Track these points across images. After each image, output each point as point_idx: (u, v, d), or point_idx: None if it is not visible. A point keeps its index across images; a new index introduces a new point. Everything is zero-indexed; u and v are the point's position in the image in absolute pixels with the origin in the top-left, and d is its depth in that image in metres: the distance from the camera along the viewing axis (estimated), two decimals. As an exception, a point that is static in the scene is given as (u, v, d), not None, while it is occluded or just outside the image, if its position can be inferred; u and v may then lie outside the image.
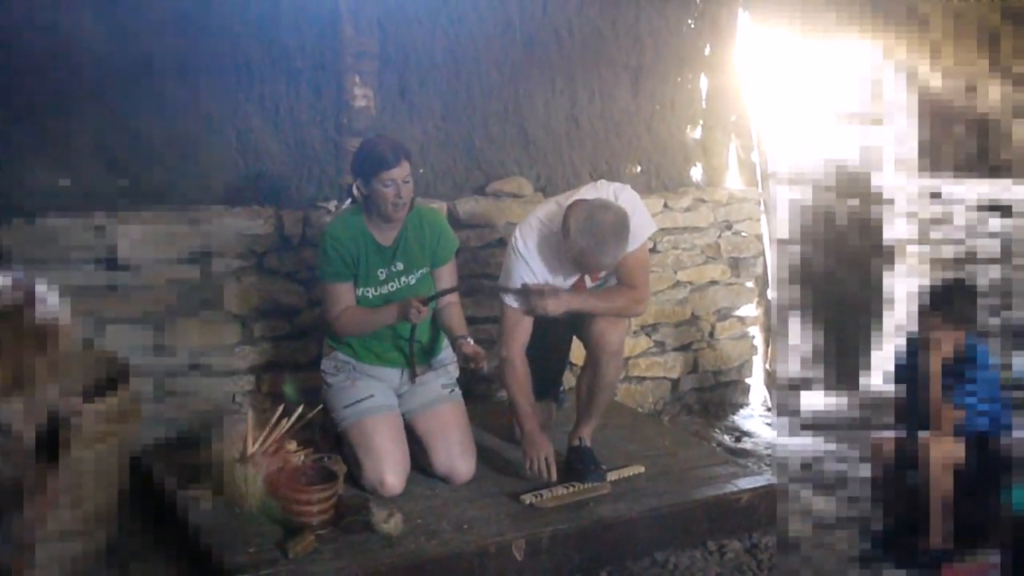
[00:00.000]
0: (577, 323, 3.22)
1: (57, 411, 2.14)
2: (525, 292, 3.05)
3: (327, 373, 3.18)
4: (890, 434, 2.32)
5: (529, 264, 3.10)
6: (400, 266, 3.08)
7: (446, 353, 3.25)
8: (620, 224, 2.93)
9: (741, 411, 4.51)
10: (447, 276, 3.19)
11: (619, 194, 3.09)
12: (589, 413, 3.21)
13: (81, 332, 2.39)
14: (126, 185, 3.38)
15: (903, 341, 2.40)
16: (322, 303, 3.06)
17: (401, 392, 3.21)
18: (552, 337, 3.33)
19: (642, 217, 3.13)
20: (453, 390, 3.24)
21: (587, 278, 3.18)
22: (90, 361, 2.34)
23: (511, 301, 3.09)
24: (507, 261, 3.17)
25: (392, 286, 3.09)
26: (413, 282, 3.11)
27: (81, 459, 2.16)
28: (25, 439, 2.06)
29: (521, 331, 3.14)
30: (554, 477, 3.01)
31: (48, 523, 2.12)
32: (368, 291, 3.07)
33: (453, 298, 3.19)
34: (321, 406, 3.17)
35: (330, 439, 3.24)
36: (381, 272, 3.06)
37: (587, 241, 2.90)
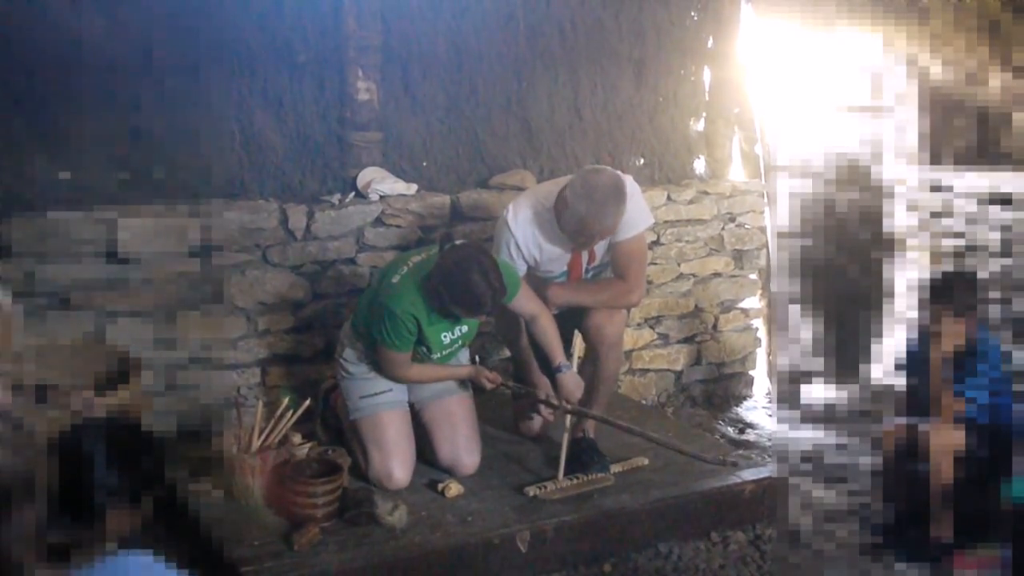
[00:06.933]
0: (577, 316, 3.23)
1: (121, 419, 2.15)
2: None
3: (348, 362, 3.13)
4: (901, 421, 2.31)
5: (515, 235, 3.10)
6: (464, 328, 3.04)
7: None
8: (616, 186, 2.94)
9: (745, 403, 4.51)
10: (525, 301, 3.08)
11: None
12: (591, 405, 3.22)
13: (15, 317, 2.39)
14: (130, 179, 3.39)
15: (908, 332, 2.39)
16: (380, 360, 3.02)
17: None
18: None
19: (639, 206, 3.14)
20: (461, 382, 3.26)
21: (584, 255, 3.18)
22: (101, 355, 2.36)
23: None
24: (495, 233, 3.20)
25: (454, 345, 3.08)
26: (466, 329, 3.06)
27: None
28: (29, 432, 2.07)
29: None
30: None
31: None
32: (434, 355, 3.04)
33: (537, 308, 3.09)
34: (324, 395, 3.18)
35: (331, 432, 3.25)
36: (445, 336, 3.02)
37: (585, 205, 2.90)
